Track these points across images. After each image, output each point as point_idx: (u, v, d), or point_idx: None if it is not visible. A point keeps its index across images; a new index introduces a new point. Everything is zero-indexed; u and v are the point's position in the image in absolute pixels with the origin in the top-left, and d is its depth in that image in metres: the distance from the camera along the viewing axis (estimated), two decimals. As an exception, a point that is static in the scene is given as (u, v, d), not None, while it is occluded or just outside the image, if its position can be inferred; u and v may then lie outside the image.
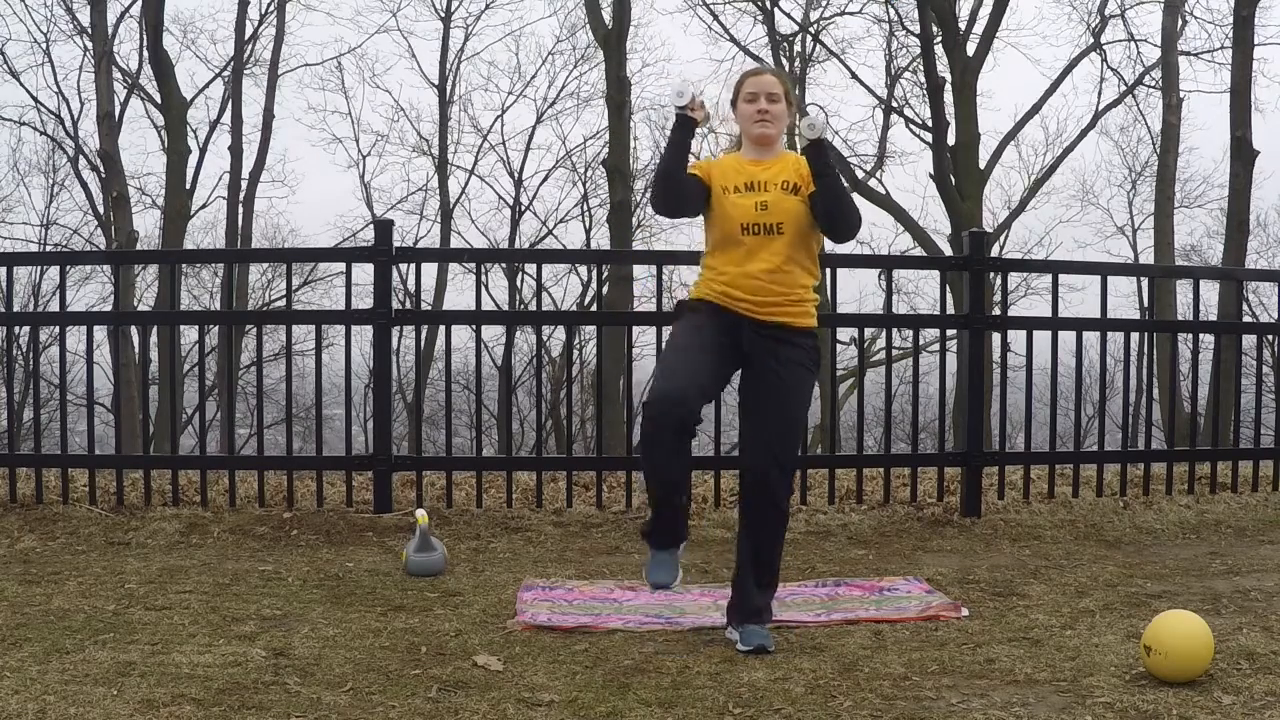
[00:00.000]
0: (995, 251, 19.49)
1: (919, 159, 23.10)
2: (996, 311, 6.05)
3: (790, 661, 3.18)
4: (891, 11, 18.93)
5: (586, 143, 23.83)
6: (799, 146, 3.38)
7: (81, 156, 20.38)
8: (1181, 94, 16.01)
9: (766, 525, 3.38)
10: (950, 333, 5.98)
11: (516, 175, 24.07)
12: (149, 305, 17.76)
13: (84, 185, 20.30)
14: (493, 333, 20.14)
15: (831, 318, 7.55)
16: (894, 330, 6.36)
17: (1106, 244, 25.51)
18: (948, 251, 15.45)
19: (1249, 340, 10.68)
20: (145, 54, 17.78)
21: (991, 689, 2.93)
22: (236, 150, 18.23)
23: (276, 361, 18.22)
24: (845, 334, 14.57)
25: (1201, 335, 10.58)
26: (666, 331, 4.26)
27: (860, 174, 19.60)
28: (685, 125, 3.34)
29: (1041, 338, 5.67)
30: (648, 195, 3.70)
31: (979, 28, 16.95)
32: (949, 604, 3.83)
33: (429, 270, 21.98)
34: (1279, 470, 6.08)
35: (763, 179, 3.37)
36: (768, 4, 19.15)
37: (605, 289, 10.07)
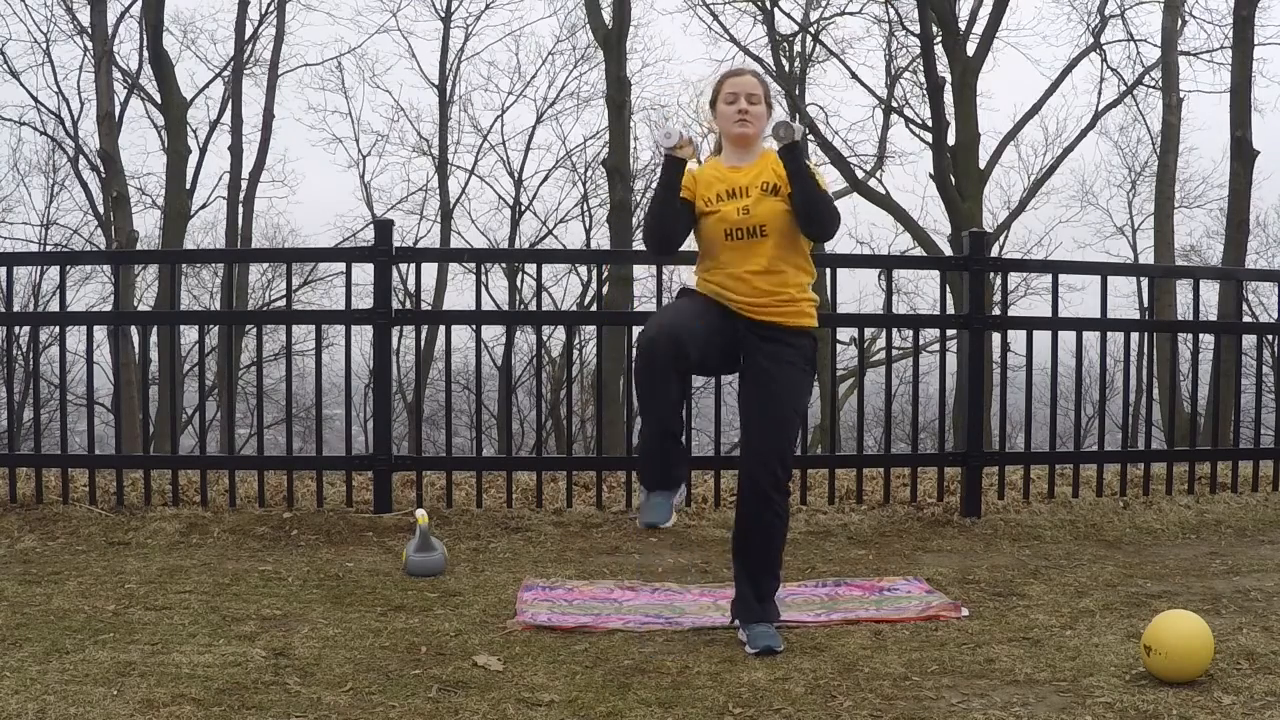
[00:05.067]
0: (995, 251, 19.48)
1: (919, 159, 23.19)
2: (996, 311, 6.06)
3: (790, 661, 3.18)
4: (891, 11, 18.95)
5: (586, 143, 23.94)
6: (776, 148, 3.39)
7: (81, 156, 20.41)
8: (1181, 94, 16.01)
9: (763, 525, 3.37)
10: (950, 333, 5.98)
11: (516, 175, 24.16)
12: (149, 305, 17.75)
13: (84, 185, 20.35)
14: (493, 333, 20.17)
15: (831, 318, 7.55)
16: (894, 330, 6.36)
17: (1106, 244, 25.61)
18: (948, 251, 15.44)
19: (1249, 340, 10.67)
20: (145, 54, 17.79)
21: (991, 689, 2.93)
22: (236, 150, 18.23)
23: (276, 361, 18.24)
24: (845, 334, 14.57)
25: (1201, 335, 10.59)
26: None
27: (860, 174, 19.60)
28: (675, 165, 3.36)
29: (1041, 338, 5.67)
30: (641, 234, 3.66)
31: (979, 28, 16.96)
32: (949, 604, 3.83)
33: (429, 270, 22.03)
34: (1279, 470, 6.08)
35: (743, 184, 3.39)
36: (768, 4, 19.15)
37: (605, 289, 10.09)
